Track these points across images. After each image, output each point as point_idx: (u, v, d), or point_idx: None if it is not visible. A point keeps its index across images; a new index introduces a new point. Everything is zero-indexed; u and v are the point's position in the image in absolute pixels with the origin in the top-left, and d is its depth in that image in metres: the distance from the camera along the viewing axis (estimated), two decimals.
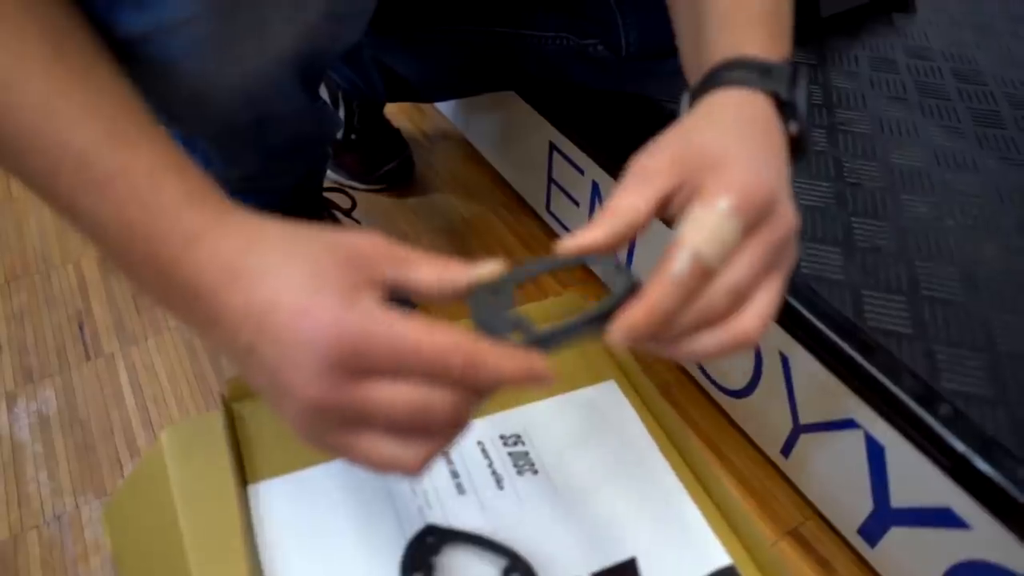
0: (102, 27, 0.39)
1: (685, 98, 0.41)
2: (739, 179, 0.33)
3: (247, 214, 0.32)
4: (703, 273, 0.31)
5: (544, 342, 0.32)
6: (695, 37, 0.42)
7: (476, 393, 0.30)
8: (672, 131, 0.36)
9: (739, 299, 0.33)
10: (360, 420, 0.29)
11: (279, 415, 0.31)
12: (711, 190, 0.33)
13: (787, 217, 0.34)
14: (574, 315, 0.32)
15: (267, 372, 0.29)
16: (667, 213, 0.34)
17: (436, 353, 0.29)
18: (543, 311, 0.61)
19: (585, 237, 0.32)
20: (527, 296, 0.76)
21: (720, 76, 0.38)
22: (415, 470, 0.30)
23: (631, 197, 0.33)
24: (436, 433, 0.30)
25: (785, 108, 0.38)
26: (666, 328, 0.32)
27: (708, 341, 0.33)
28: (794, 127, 0.38)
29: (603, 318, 0.32)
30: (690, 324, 0.32)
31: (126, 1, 0.38)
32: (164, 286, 0.31)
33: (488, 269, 0.33)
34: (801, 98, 0.38)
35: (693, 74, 0.42)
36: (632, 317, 0.31)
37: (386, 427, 0.30)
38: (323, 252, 0.30)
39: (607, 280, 0.34)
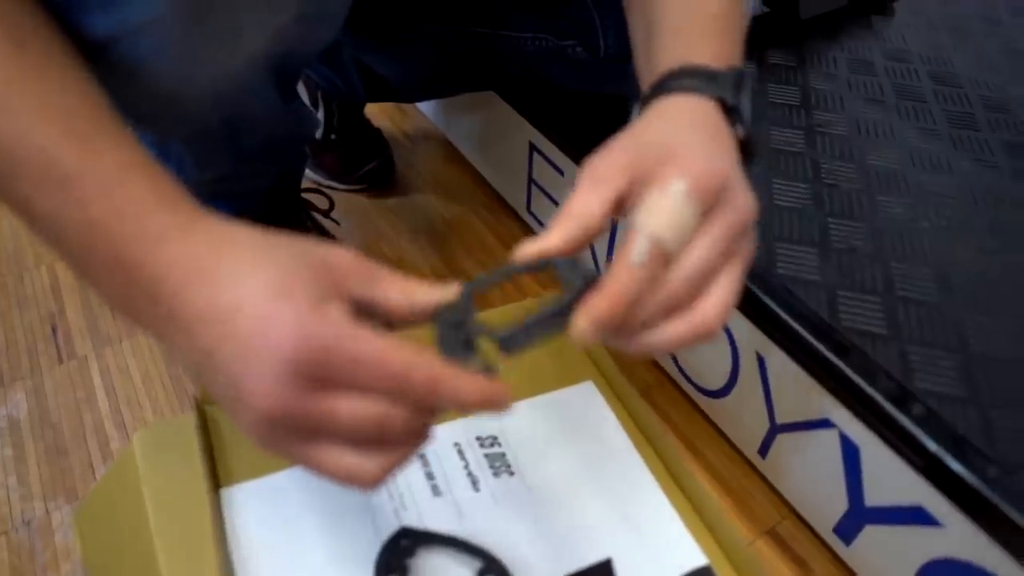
0: (69, 29, 0.39)
1: (636, 106, 0.41)
2: (693, 165, 0.33)
3: (217, 218, 0.32)
4: (662, 257, 0.31)
5: (506, 343, 0.32)
6: (646, 45, 0.43)
7: (432, 413, 0.30)
8: (623, 134, 0.37)
9: (698, 285, 0.32)
10: (319, 431, 0.29)
11: (236, 421, 0.30)
12: (665, 176, 0.33)
13: (744, 203, 0.34)
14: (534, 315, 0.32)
15: (226, 377, 0.29)
16: (623, 213, 0.34)
17: (399, 370, 0.28)
18: (506, 315, 0.61)
19: (542, 242, 0.32)
20: (508, 299, 0.76)
21: (668, 84, 0.38)
22: (372, 483, 0.30)
23: (585, 199, 0.33)
24: (394, 447, 0.30)
25: (731, 113, 0.38)
26: (629, 317, 0.31)
27: (670, 331, 0.33)
28: (740, 131, 0.38)
29: (564, 313, 0.32)
30: (651, 314, 0.32)
31: (92, 2, 0.37)
32: (126, 289, 0.31)
33: (454, 291, 0.33)
34: (746, 103, 0.39)
35: (645, 81, 0.42)
36: (595, 307, 0.30)
37: (345, 439, 0.29)
38: (293, 259, 0.30)
39: (564, 279, 0.34)
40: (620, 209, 0.34)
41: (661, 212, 0.32)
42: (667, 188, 0.32)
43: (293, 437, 0.29)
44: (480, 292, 0.34)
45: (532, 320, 0.32)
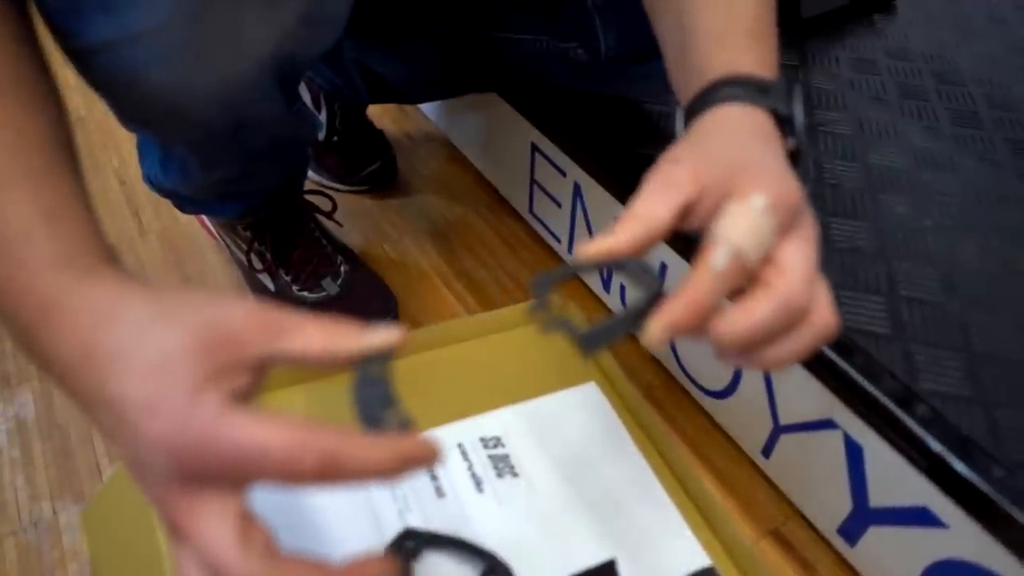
0: (67, 33, 0.39)
1: (680, 115, 0.40)
2: (771, 181, 0.33)
3: (112, 277, 0.31)
4: (741, 268, 0.31)
5: (587, 343, 0.32)
6: (682, 52, 0.42)
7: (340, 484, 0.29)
8: (686, 143, 0.36)
9: (810, 291, 0.33)
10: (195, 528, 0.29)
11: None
12: (744, 190, 0.33)
13: (814, 222, 0.35)
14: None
15: (127, 457, 0.29)
16: (689, 224, 0.34)
17: (285, 454, 0.27)
18: (496, 321, 0.60)
19: (608, 241, 0.32)
20: (505, 300, 0.76)
21: (718, 93, 0.38)
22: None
23: (654, 204, 0.33)
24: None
25: (783, 124, 0.38)
26: (703, 323, 0.31)
27: (801, 342, 0.33)
28: (791, 143, 0.38)
29: (641, 314, 0.32)
30: (777, 324, 0.32)
31: (93, 9, 0.37)
32: (27, 349, 0.31)
33: (381, 337, 0.31)
34: (799, 113, 0.39)
35: (682, 89, 0.42)
36: (672, 312, 0.30)
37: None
38: (178, 336, 0.28)
39: (636, 280, 0.34)
40: (686, 218, 0.34)
41: (742, 223, 0.32)
42: (748, 201, 0.32)
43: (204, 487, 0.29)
44: (541, 292, 0.34)
45: (608, 324, 0.32)
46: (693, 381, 0.67)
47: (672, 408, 0.69)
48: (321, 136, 0.86)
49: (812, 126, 0.72)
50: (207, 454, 0.27)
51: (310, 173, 0.89)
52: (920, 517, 0.49)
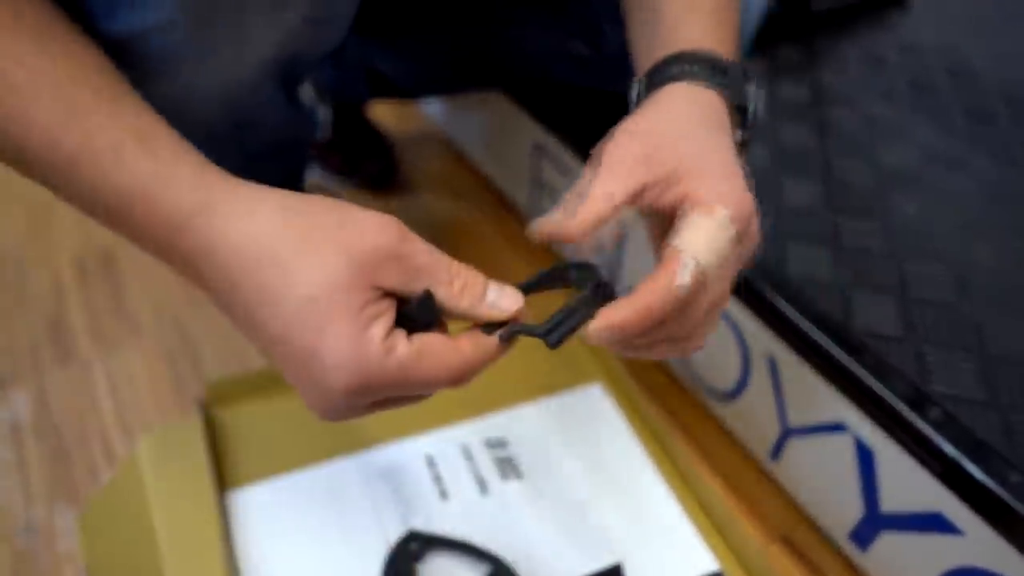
0: None
1: (637, 85, 0.41)
2: (731, 190, 0.33)
3: (248, 185, 0.32)
4: (703, 285, 0.32)
5: (551, 337, 0.32)
6: (647, 26, 0.42)
7: None
8: (637, 120, 0.37)
9: (715, 314, 0.34)
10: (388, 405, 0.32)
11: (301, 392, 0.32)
12: (701, 193, 0.33)
13: (757, 231, 0.35)
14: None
15: (292, 368, 0.30)
16: (639, 205, 0.34)
17: (433, 379, 0.31)
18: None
19: (558, 221, 0.33)
20: None
21: (678, 67, 0.38)
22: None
23: (610, 186, 0.33)
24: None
25: (737, 113, 0.38)
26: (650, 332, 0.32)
27: (676, 350, 0.35)
28: (739, 135, 0.38)
29: (590, 303, 0.33)
30: (677, 336, 0.33)
31: (99, 6, 0.37)
32: (168, 255, 0.32)
33: (509, 305, 0.33)
34: (753, 101, 0.39)
35: (643, 62, 0.42)
36: (623, 315, 0.31)
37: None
38: (327, 275, 0.29)
39: (576, 279, 0.34)
40: (636, 201, 0.34)
41: (706, 239, 0.32)
42: (712, 216, 0.33)
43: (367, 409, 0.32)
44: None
45: (564, 312, 0.33)
46: (699, 382, 0.67)
47: (678, 409, 0.68)
48: (323, 136, 0.86)
49: (821, 123, 0.71)
50: (375, 386, 0.30)
51: (311, 172, 0.88)
52: (934, 523, 0.48)
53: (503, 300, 0.33)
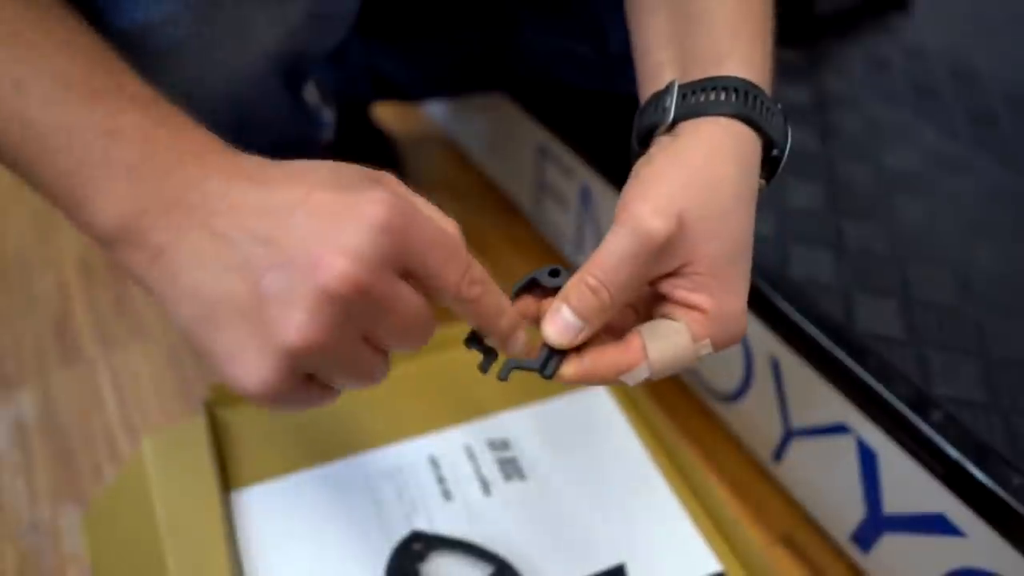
0: None
1: (669, 95, 0.36)
2: (729, 314, 0.34)
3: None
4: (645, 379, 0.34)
5: (545, 369, 0.34)
6: (676, 38, 0.39)
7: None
8: (676, 172, 0.34)
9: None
10: (382, 314, 0.28)
11: (280, 314, 0.27)
12: (699, 307, 0.33)
13: (739, 336, 0.35)
14: None
15: (287, 254, 0.27)
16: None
17: (465, 263, 0.30)
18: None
19: (583, 330, 0.33)
20: None
21: (715, 95, 0.35)
22: (378, 381, 0.30)
23: (631, 269, 0.32)
24: (411, 348, 0.30)
25: (768, 165, 0.37)
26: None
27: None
28: (763, 184, 0.37)
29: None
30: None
31: (101, 2, 0.37)
32: (136, 188, 0.29)
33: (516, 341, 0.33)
34: (786, 155, 0.37)
35: (669, 69, 0.39)
36: (572, 376, 0.33)
37: (393, 330, 0.29)
38: (342, 166, 0.29)
39: (551, 286, 0.35)
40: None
41: (673, 351, 0.33)
42: (695, 345, 0.33)
43: (350, 323, 0.27)
44: (475, 346, 0.35)
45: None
46: (702, 383, 0.67)
47: (681, 411, 0.68)
48: (328, 137, 0.86)
49: (825, 126, 0.71)
50: (413, 237, 0.28)
51: None
52: (936, 525, 0.49)
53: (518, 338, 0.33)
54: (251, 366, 0.27)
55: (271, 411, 0.33)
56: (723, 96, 0.35)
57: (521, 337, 0.33)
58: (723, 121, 0.35)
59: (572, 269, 0.34)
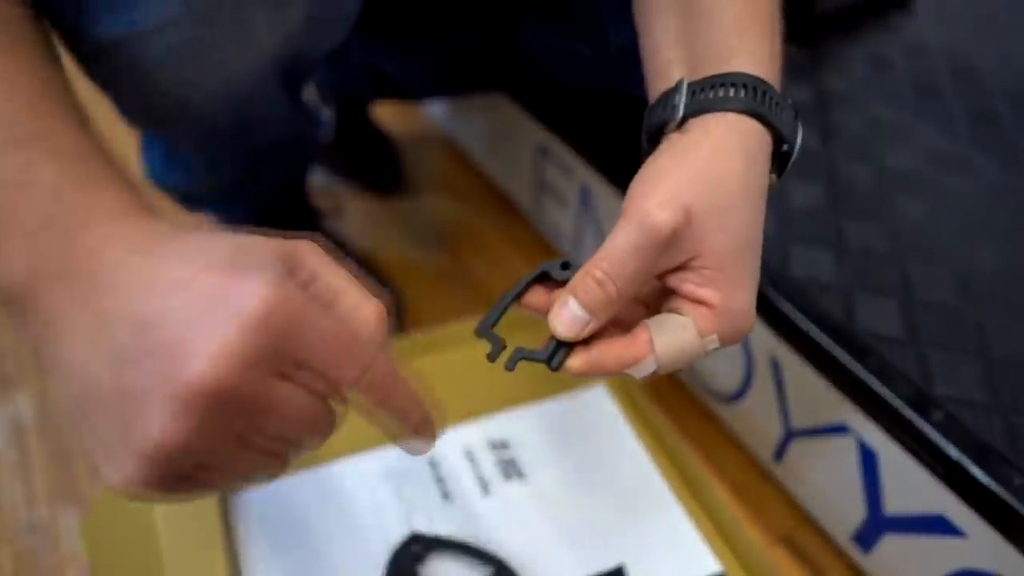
0: (74, 33, 0.38)
1: (678, 93, 0.36)
2: (739, 308, 0.34)
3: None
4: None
5: (552, 360, 0.34)
6: (683, 35, 0.39)
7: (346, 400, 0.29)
8: (683, 167, 0.34)
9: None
10: (254, 416, 0.26)
11: (144, 418, 0.25)
12: (709, 303, 0.33)
13: (747, 330, 0.35)
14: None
15: (156, 344, 0.25)
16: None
17: (363, 355, 0.27)
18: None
19: (591, 321, 0.33)
20: None
21: (724, 92, 0.35)
22: (275, 477, 0.29)
23: (638, 263, 0.32)
24: (303, 448, 0.28)
25: (777, 159, 0.37)
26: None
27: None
28: (773, 179, 0.37)
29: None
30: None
31: (100, 8, 0.37)
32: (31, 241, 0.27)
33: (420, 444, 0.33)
34: (796, 150, 0.37)
35: (678, 67, 0.39)
36: (578, 368, 0.34)
37: (272, 433, 0.27)
38: (250, 239, 0.27)
39: (561, 279, 0.36)
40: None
41: (681, 352, 0.33)
42: (703, 340, 0.33)
43: (220, 425, 0.25)
44: (487, 335, 0.35)
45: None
46: (702, 384, 0.67)
47: (681, 411, 0.68)
48: (327, 136, 0.86)
49: (825, 125, 0.71)
50: (296, 331, 0.25)
51: (315, 174, 0.88)
52: (937, 525, 0.48)
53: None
54: (115, 463, 0.25)
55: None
56: (732, 92, 0.35)
57: (431, 429, 0.32)
58: (731, 117, 0.35)
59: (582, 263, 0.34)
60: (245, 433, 0.26)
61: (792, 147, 0.37)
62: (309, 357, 0.26)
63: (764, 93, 0.35)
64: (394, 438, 0.31)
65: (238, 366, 0.24)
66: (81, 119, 0.31)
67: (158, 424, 0.24)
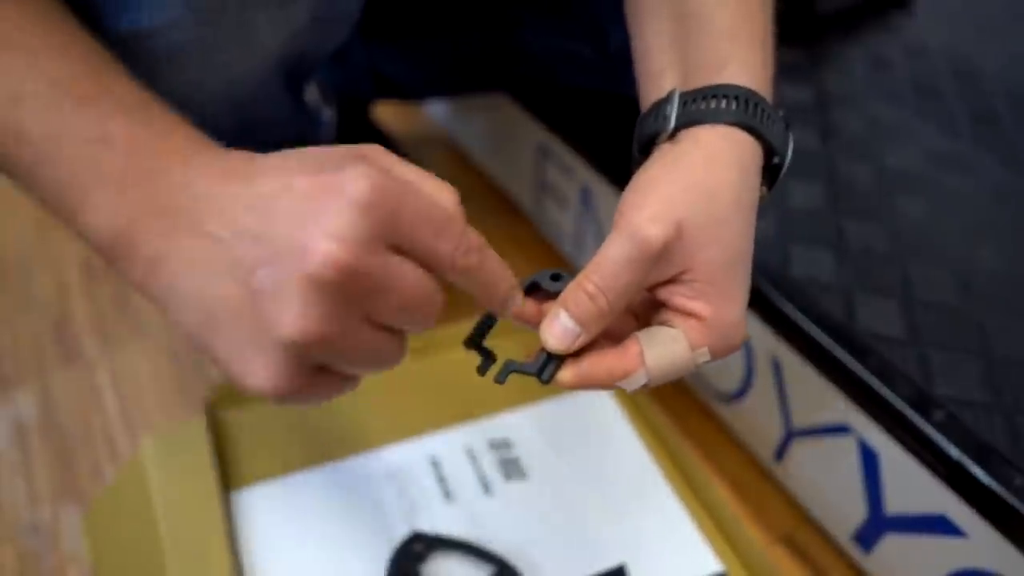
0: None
1: (670, 104, 0.36)
2: (729, 320, 0.33)
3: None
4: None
5: (543, 373, 0.33)
6: (675, 42, 0.39)
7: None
8: (674, 179, 0.34)
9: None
10: (378, 293, 0.27)
11: (277, 290, 0.26)
12: (699, 315, 0.33)
13: (739, 340, 0.35)
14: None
15: (274, 246, 0.26)
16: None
17: (460, 232, 0.29)
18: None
19: (581, 335, 0.33)
20: None
21: (716, 103, 0.35)
22: (396, 362, 0.30)
23: (629, 276, 0.32)
24: (421, 324, 0.29)
25: (768, 172, 0.37)
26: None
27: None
28: (764, 191, 0.37)
29: None
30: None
31: (102, 4, 0.37)
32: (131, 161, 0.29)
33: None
34: (787, 161, 0.37)
35: (670, 77, 0.39)
36: (571, 374, 0.33)
37: (395, 308, 0.28)
38: (323, 149, 0.29)
39: (553, 290, 0.35)
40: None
41: (672, 365, 0.33)
42: (694, 353, 0.33)
43: (348, 308, 0.27)
44: (476, 347, 0.36)
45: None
46: (703, 384, 0.67)
47: (682, 411, 0.68)
48: (328, 136, 0.86)
49: (826, 125, 0.71)
50: (404, 210, 0.27)
51: None
52: (938, 525, 0.48)
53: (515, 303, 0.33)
54: (255, 365, 0.27)
55: (290, 406, 0.32)
56: (723, 104, 0.35)
57: (517, 300, 0.33)
58: (722, 129, 0.35)
59: (574, 272, 0.34)
60: (372, 312, 0.28)
61: (783, 159, 0.37)
62: (412, 232, 0.28)
63: (756, 105, 0.35)
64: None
65: (358, 246, 0.26)
66: (129, 74, 0.32)
67: (293, 316, 0.26)
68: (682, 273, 0.33)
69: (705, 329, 0.33)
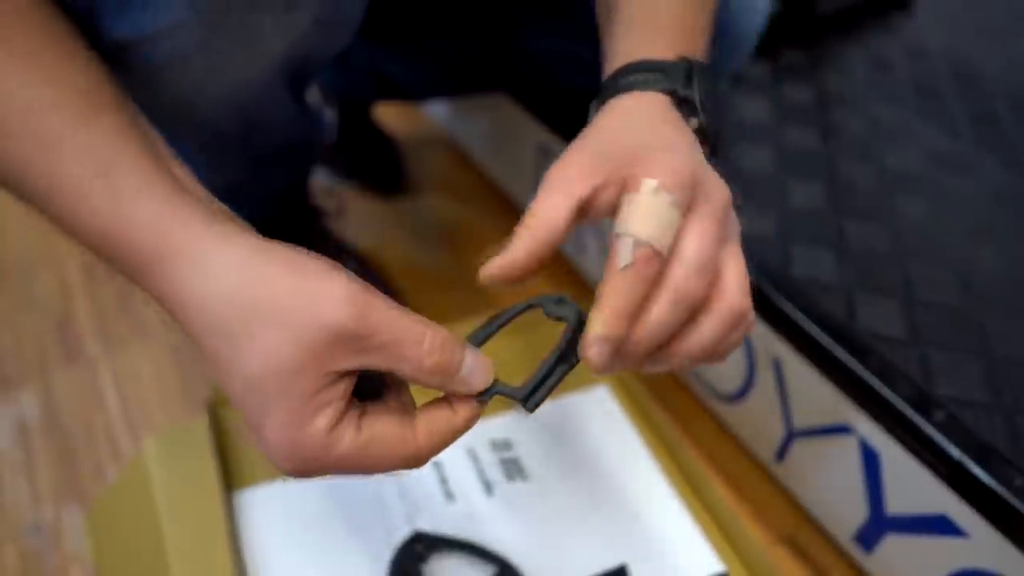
0: (83, 34, 0.38)
1: (594, 104, 0.39)
2: (662, 162, 0.32)
3: (209, 228, 0.30)
4: (651, 257, 0.30)
5: (529, 403, 0.32)
6: (606, 36, 0.41)
7: None
8: (580, 138, 0.36)
9: (707, 275, 0.32)
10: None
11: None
12: (637, 178, 0.32)
13: (719, 189, 0.34)
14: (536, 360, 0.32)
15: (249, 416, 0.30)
16: (593, 220, 0.34)
17: (382, 469, 0.31)
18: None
19: (508, 258, 0.32)
20: None
21: (619, 81, 0.37)
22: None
23: (546, 209, 0.32)
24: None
25: (684, 105, 0.37)
26: (638, 326, 0.31)
27: (704, 330, 0.32)
28: (694, 122, 0.37)
29: (570, 351, 0.32)
30: (672, 318, 0.31)
31: (108, 8, 0.37)
32: (143, 287, 0.31)
33: (481, 379, 0.32)
34: (699, 92, 0.37)
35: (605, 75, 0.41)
36: (598, 325, 0.30)
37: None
38: (284, 348, 0.28)
39: (554, 316, 0.34)
40: (584, 216, 0.33)
41: (637, 212, 0.31)
42: (639, 188, 0.32)
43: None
44: (478, 345, 0.34)
45: (543, 372, 0.32)
46: (704, 385, 0.67)
47: (684, 412, 0.68)
48: (329, 137, 0.86)
49: (826, 126, 0.71)
50: (323, 473, 0.31)
51: (317, 174, 0.88)
52: (938, 525, 0.48)
53: (475, 376, 0.31)
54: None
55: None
56: (618, 83, 0.37)
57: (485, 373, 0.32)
58: (611, 101, 0.37)
59: (578, 298, 0.33)
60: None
61: (684, 93, 0.37)
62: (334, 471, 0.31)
63: (634, 70, 0.37)
64: None
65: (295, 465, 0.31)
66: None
67: (278, 460, 0.31)
68: (629, 165, 0.33)
69: (648, 175, 0.32)
